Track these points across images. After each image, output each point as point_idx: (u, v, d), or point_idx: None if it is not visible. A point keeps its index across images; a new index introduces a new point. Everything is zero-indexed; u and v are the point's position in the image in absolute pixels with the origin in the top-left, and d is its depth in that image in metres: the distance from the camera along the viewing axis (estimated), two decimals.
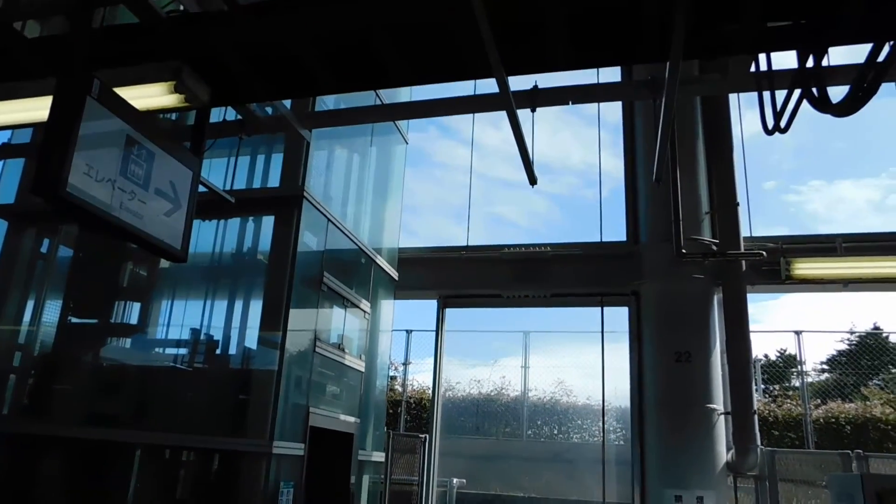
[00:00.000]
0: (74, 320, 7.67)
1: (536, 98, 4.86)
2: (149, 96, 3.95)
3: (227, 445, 6.20)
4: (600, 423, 9.71)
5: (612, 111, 10.67)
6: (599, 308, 9.66)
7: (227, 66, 3.94)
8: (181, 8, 4.37)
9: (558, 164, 18.04)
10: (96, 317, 7.69)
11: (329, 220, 7.46)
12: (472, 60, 3.65)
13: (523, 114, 4.91)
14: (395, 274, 9.53)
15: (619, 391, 9.43)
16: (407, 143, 10.30)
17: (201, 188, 4.58)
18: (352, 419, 7.88)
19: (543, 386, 11.87)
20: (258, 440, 6.05)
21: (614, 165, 10.35)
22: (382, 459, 8.94)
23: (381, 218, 9.51)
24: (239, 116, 5.47)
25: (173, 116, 7.47)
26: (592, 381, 9.93)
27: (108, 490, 6.44)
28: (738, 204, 8.90)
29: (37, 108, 4.07)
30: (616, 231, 9.91)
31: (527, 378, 11.69)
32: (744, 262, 8.61)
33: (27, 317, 7.80)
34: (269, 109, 6.09)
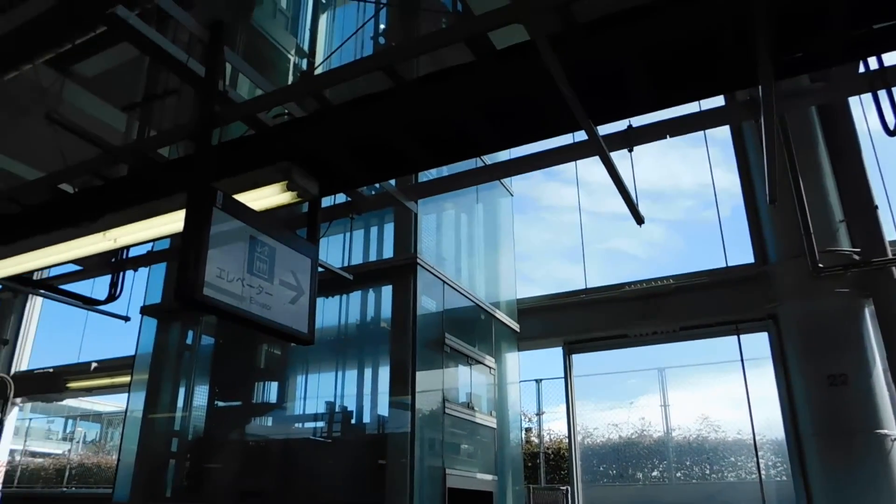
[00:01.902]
0: (220, 404, 8.25)
1: (631, 138, 4.82)
2: (265, 197, 4.31)
3: None
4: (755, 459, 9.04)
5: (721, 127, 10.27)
6: (735, 336, 9.13)
7: (330, 159, 4.24)
8: (286, 111, 4.79)
9: (671, 188, 17.43)
10: (239, 398, 8.24)
11: (444, 282, 7.64)
12: (556, 118, 3.71)
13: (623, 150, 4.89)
14: (516, 326, 9.52)
15: (772, 422, 8.77)
16: (512, 196, 10.41)
17: (320, 269, 4.88)
18: (489, 477, 7.84)
19: (687, 423, 11.17)
20: None
21: (731, 182, 9.91)
22: None
23: (495, 272, 9.59)
24: (348, 198, 5.83)
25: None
26: (741, 413, 9.29)
27: None
28: (876, 207, 8.21)
29: (174, 221, 4.56)
30: (742, 252, 9.41)
31: (668, 417, 11.09)
32: (894, 269, 7.86)
33: (180, 403, 8.49)
34: (376, 185, 6.41)
